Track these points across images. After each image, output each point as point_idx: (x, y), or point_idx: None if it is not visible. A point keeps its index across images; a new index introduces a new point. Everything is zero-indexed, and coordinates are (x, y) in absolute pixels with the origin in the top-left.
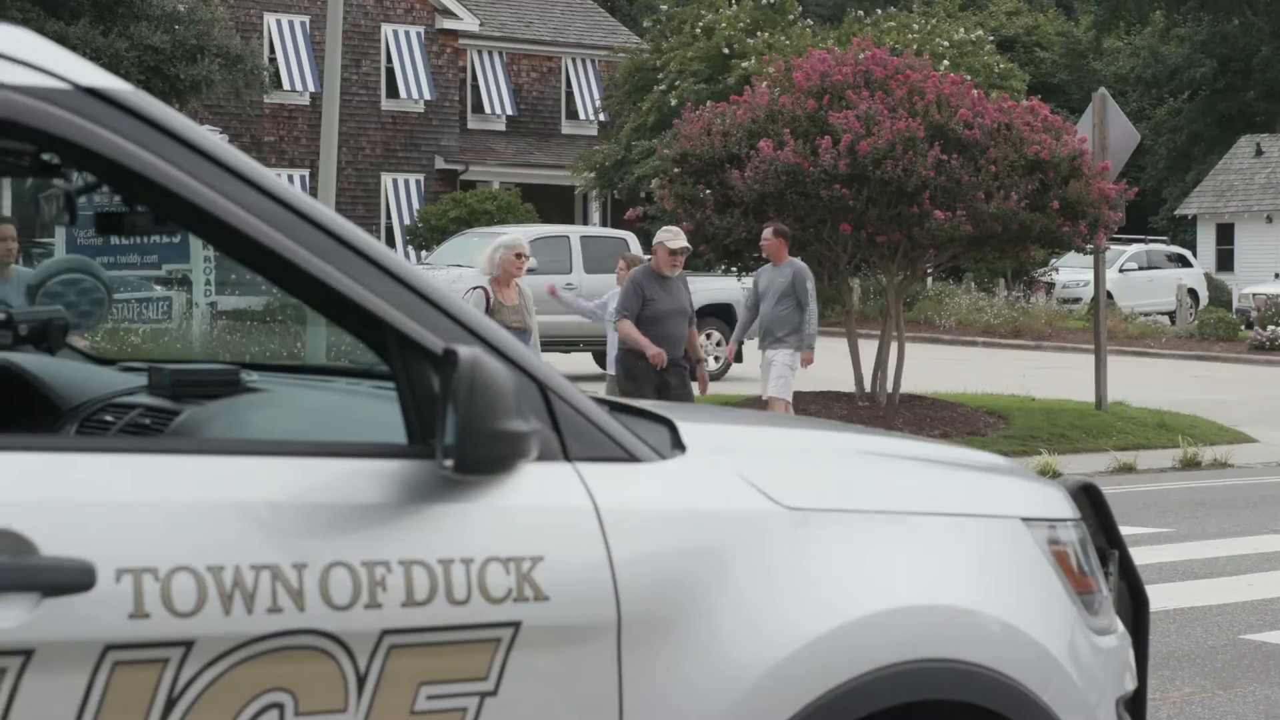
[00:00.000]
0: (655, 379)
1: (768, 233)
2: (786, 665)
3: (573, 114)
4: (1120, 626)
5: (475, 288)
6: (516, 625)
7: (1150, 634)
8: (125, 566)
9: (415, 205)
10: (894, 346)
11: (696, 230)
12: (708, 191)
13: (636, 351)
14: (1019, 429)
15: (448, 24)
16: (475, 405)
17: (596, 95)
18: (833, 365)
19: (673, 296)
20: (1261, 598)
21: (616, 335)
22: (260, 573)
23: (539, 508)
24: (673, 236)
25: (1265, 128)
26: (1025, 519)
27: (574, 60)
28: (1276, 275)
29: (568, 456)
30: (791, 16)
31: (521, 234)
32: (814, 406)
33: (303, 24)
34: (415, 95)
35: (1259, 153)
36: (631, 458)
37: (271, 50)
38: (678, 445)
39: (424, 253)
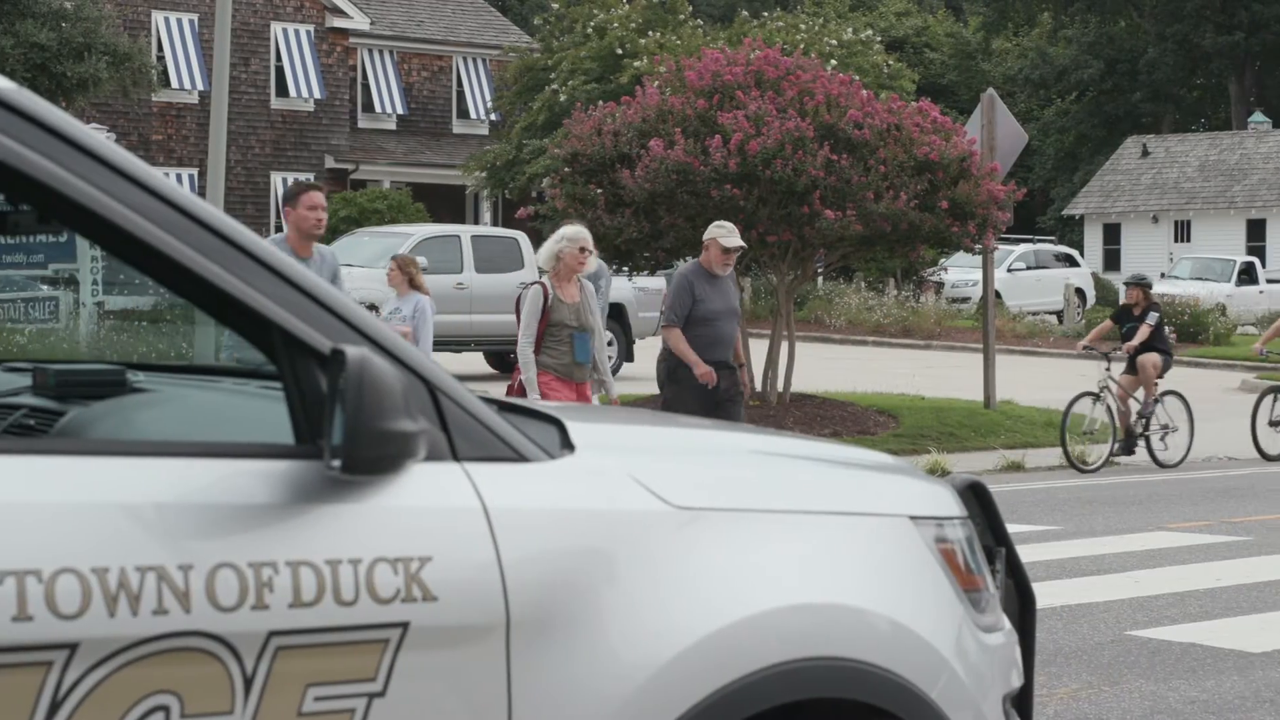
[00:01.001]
0: (701, 383)
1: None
2: (676, 664)
3: (464, 113)
4: (1007, 624)
5: (533, 283)
6: (405, 626)
7: (1037, 631)
8: (8, 568)
9: None
10: (784, 346)
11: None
12: (599, 191)
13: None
14: (908, 428)
15: (338, 22)
16: (363, 405)
17: (487, 94)
18: None
19: (724, 296)
20: (1147, 594)
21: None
22: (146, 574)
23: (427, 508)
24: (727, 233)
25: (1151, 129)
26: (913, 517)
27: (465, 59)
28: (1163, 275)
29: (456, 456)
30: (682, 16)
31: (583, 227)
32: None
33: (191, 22)
34: (305, 94)
35: (1145, 153)
36: (520, 457)
37: (160, 48)
38: (567, 445)
39: None
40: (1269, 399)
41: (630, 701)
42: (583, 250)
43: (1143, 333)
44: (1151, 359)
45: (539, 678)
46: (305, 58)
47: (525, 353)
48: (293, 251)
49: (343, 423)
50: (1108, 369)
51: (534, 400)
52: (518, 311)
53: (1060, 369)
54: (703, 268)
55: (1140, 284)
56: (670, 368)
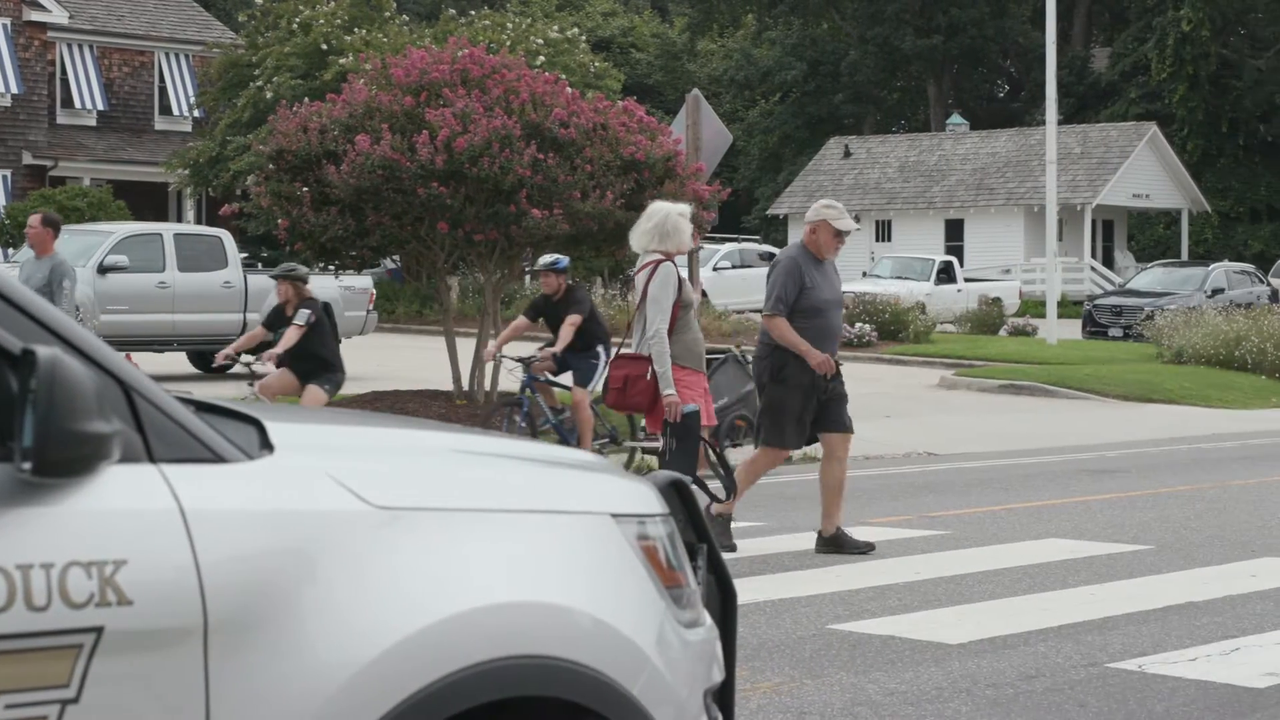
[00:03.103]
0: (808, 382)
1: (34, 220)
2: (378, 664)
3: (166, 110)
4: (708, 620)
5: (660, 261)
6: (99, 630)
7: (739, 625)
8: None
9: (1, 202)
10: (491, 345)
11: (293, 228)
12: (304, 189)
13: (787, 349)
14: (616, 425)
15: (35, 16)
16: (54, 406)
17: (191, 91)
18: (431, 364)
19: (831, 284)
20: (848, 588)
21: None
22: None
23: (122, 510)
24: (839, 214)
25: (853, 130)
26: (615, 515)
27: (167, 55)
28: (864, 274)
29: (152, 458)
30: (388, 13)
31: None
32: (413, 405)
33: None
34: (1, 89)
35: (847, 154)
36: (218, 458)
37: None
38: (266, 445)
39: (10, 250)
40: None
41: (333, 701)
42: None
43: (291, 335)
44: (310, 390)
45: (238, 680)
46: (2, 52)
47: (663, 341)
48: None
49: (34, 424)
50: (251, 383)
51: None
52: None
53: None
54: (809, 251)
55: (289, 276)
56: (776, 365)
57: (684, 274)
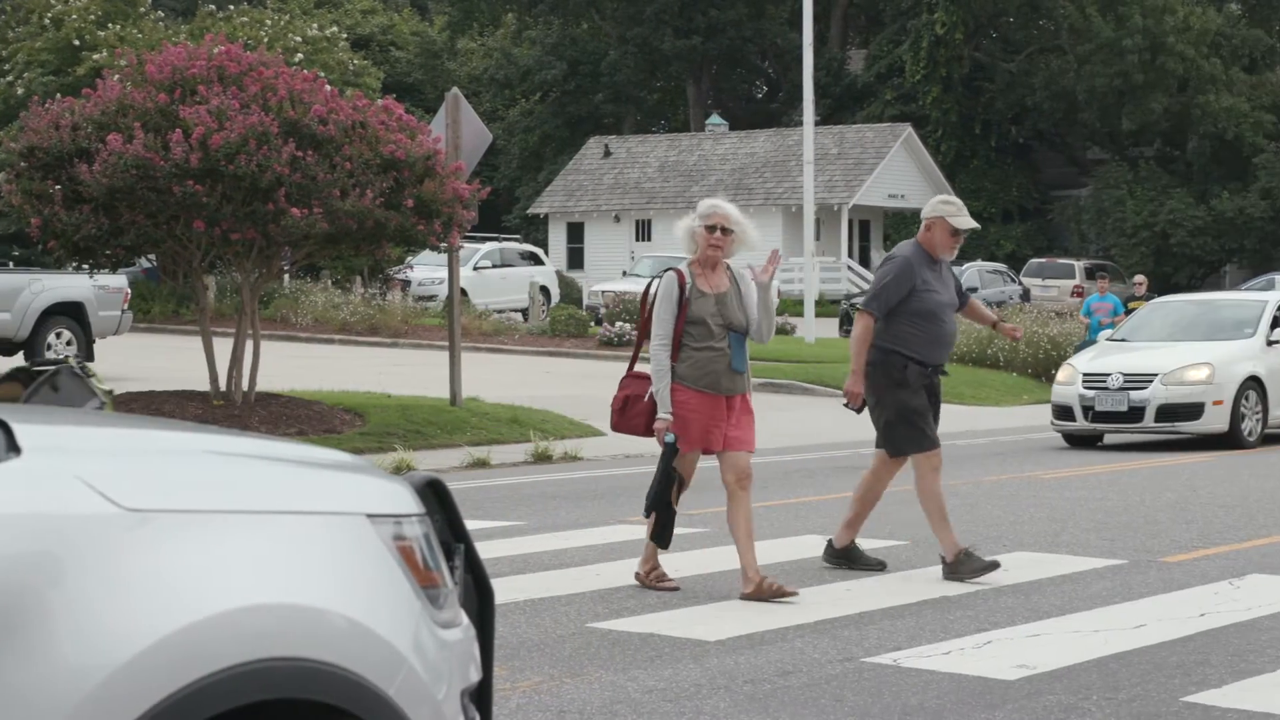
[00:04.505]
0: (926, 386)
1: None
2: (130, 667)
3: None
4: (465, 619)
5: (667, 270)
6: None
7: (499, 625)
8: None
9: None
10: (249, 345)
11: (45, 226)
12: (57, 187)
13: (904, 353)
14: (375, 426)
15: None
16: None
17: None
18: (187, 364)
19: (947, 285)
20: (608, 587)
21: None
22: None
23: None
24: (957, 211)
25: (614, 129)
26: (370, 515)
27: None
28: (625, 273)
29: None
30: (143, 9)
31: (722, 201)
32: (169, 406)
33: None
34: None
35: (607, 154)
36: None
37: None
38: (13, 448)
39: None
40: None
41: (86, 703)
42: (710, 230)
43: None
44: None
45: None
46: None
47: (659, 359)
48: None
49: None
50: None
51: (661, 419)
52: (643, 307)
53: (526, 366)
54: (923, 250)
55: None
56: (897, 368)
57: (745, 280)
